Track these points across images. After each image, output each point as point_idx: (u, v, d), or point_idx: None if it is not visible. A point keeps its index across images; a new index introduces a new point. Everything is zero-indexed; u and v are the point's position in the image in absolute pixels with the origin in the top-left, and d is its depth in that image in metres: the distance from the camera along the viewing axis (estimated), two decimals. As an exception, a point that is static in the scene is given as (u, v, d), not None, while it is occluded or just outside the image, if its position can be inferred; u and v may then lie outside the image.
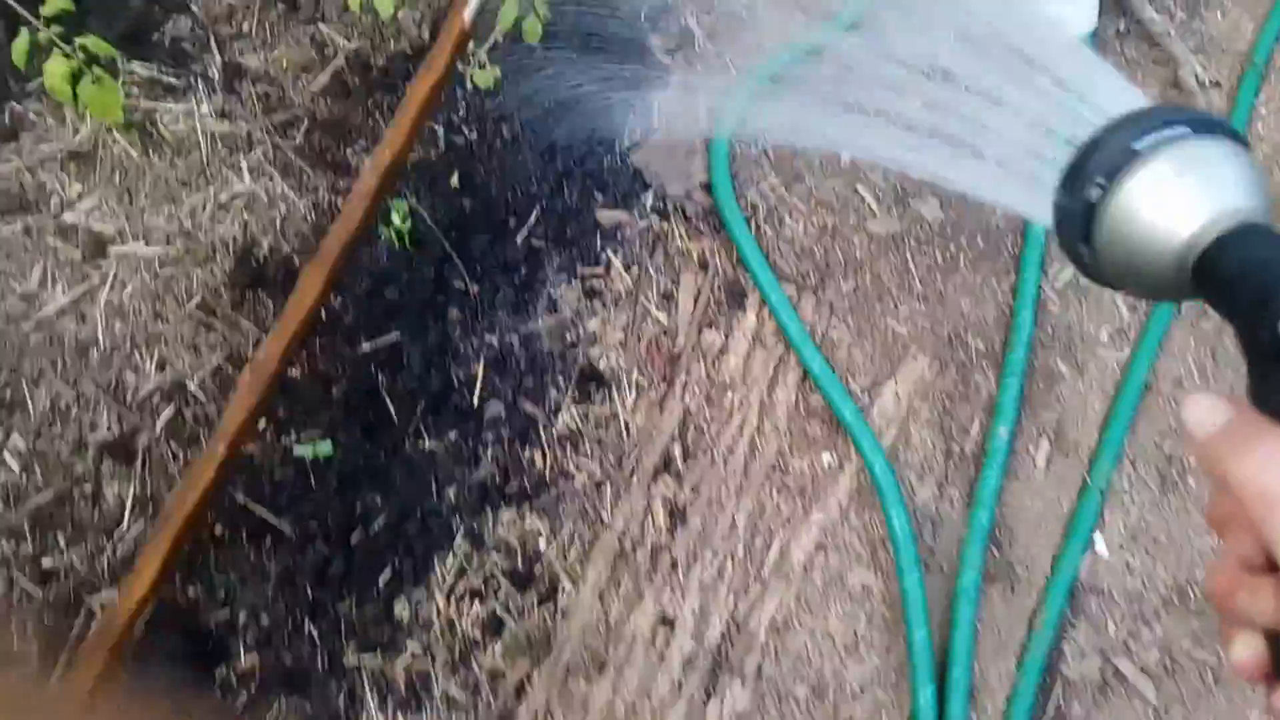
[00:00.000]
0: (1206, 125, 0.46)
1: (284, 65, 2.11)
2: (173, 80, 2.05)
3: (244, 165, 2.00)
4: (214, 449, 1.60)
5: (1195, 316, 2.27)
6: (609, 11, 2.38)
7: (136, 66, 2.03)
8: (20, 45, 1.74)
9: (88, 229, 1.91)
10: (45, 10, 1.75)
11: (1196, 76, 2.47)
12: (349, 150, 2.07)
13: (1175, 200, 0.44)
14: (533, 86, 2.18)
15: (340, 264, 1.73)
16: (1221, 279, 0.42)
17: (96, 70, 1.82)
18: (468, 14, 1.57)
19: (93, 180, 1.95)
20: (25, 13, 1.77)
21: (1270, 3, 2.59)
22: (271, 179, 2.00)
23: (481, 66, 2.06)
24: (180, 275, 1.89)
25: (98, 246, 1.89)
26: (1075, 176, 0.48)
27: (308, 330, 1.80)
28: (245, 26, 2.13)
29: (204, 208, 1.95)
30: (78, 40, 1.78)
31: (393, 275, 1.96)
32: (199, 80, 2.06)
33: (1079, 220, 0.47)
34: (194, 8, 2.13)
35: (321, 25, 2.17)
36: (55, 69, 1.76)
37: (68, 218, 1.91)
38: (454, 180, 2.07)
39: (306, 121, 2.07)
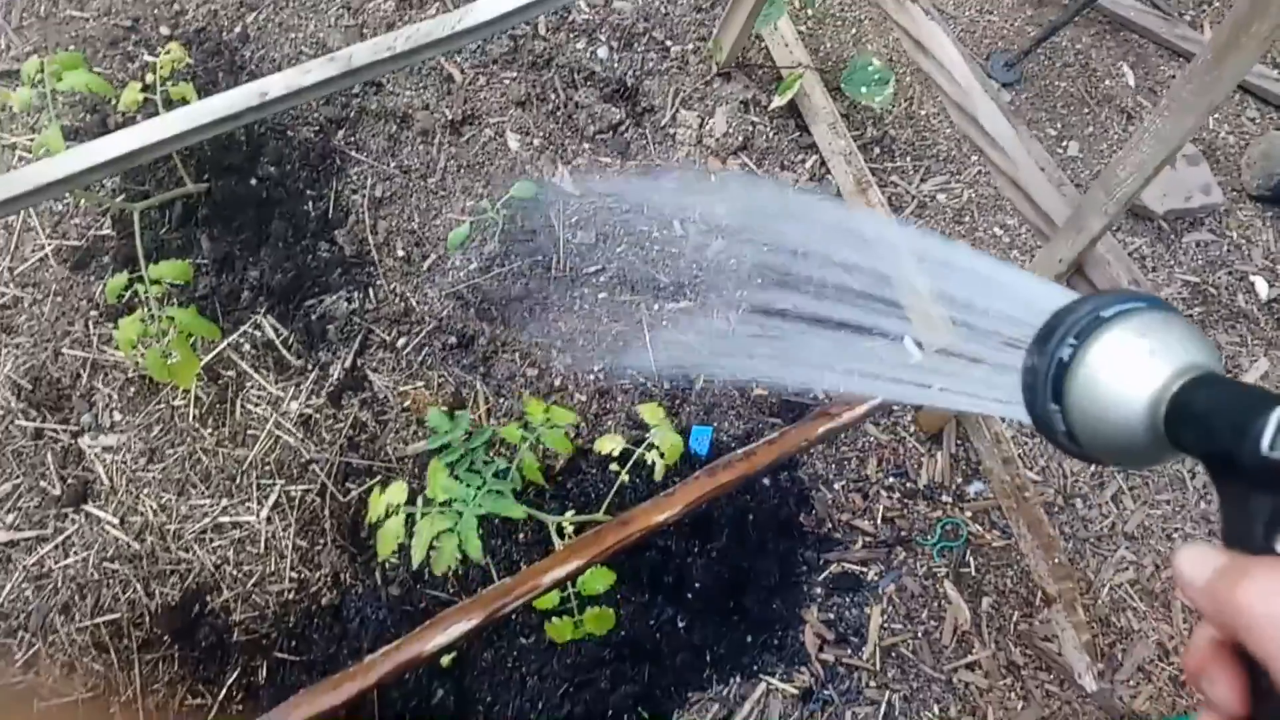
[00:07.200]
0: (1158, 303, 0.51)
1: (409, 403, 1.77)
2: (290, 357, 1.78)
3: (272, 495, 1.68)
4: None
5: None
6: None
7: (266, 323, 1.78)
8: (115, 284, 1.53)
9: (87, 466, 1.68)
10: (153, 272, 1.52)
11: None
12: (388, 542, 1.68)
13: (1142, 357, 0.49)
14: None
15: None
16: (1195, 416, 0.46)
17: (170, 343, 1.57)
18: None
19: (134, 419, 1.72)
20: (142, 260, 1.56)
21: None
22: (286, 528, 1.66)
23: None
24: (119, 579, 1.61)
25: (79, 493, 1.65)
26: (1046, 338, 0.51)
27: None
28: (401, 342, 1.82)
29: (198, 520, 1.65)
30: (171, 312, 1.54)
31: None
32: (313, 371, 1.77)
33: (1050, 378, 0.51)
34: (371, 292, 1.84)
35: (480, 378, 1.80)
36: (126, 329, 1.53)
37: (83, 442, 1.69)
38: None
39: (378, 479, 1.72)
